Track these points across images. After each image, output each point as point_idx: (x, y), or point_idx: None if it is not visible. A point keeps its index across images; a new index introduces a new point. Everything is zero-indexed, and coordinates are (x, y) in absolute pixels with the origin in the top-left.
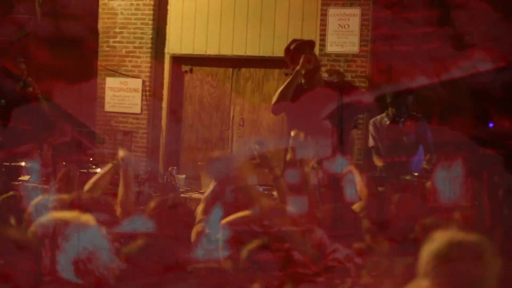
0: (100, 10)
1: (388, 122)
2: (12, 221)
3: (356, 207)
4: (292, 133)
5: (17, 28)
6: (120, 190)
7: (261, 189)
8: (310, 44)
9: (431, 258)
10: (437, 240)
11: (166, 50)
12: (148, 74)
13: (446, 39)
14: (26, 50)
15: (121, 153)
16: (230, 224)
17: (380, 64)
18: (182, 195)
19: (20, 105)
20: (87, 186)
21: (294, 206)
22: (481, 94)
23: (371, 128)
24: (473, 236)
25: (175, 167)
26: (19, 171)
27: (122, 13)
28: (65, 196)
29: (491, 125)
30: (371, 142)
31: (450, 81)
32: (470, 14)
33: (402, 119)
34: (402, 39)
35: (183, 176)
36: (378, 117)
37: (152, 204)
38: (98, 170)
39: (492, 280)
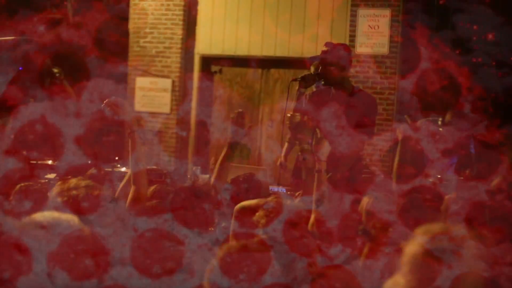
0: (131, 10)
1: (441, 129)
2: None
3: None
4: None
5: (49, 27)
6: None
7: (283, 190)
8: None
9: (409, 257)
10: (414, 240)
11: (195, 51)
12: (177, 74)
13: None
14: (56, 49)
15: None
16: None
17: (409, 66)
18: None
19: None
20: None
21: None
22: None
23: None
24: (452, 236)
25: (199, 167)
26: (46, 169)
27: (152, 14)
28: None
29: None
30: None
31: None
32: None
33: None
34: (432, 41)
35: (207, 175)
36: (430, 119)
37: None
38: (123, 169)
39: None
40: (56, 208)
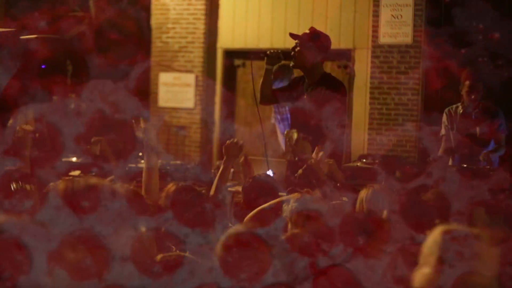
0: (152, 6)
1: (461, 111)
2: None
3: None
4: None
5: (71, 25)
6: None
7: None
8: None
9: (430, 249)
10: (435, 232)
11: (218, 45)
12: (200, 69)
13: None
14: (80, 46)
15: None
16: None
17: (434, 55)
18: (229, 188)
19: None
20: None
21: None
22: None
23: (444, 116)
24: (471, 230)
25: (219, 161)
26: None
27: (174, 9)
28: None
29: None
30: (442, 131)
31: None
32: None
33: (476, 110)
34: (456, 29)
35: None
36: (454, 105)
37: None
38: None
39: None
40: None
